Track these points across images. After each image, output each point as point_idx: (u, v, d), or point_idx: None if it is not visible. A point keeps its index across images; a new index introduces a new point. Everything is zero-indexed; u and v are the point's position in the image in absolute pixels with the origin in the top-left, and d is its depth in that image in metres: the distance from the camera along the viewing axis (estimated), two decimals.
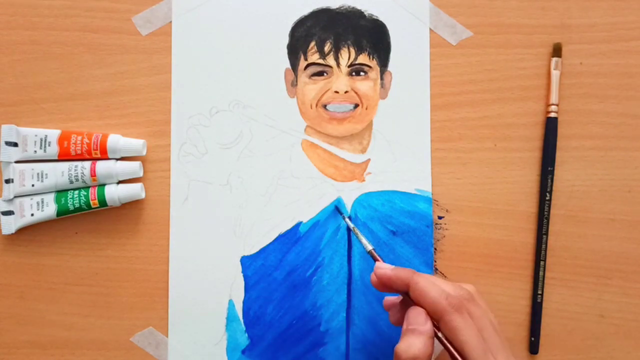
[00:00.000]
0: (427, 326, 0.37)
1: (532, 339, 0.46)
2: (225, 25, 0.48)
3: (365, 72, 0.47)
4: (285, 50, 0.48)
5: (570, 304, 0.46)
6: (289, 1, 0.48)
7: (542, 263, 0.46)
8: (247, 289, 0.46)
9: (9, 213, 0.45)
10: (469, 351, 0.35)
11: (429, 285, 0.37)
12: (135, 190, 0.46)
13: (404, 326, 0.38)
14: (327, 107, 0.47)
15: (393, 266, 0.39)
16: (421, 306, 0.37)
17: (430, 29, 0.48)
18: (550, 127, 0.46)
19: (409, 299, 0.39)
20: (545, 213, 0.46)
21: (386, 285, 0.39)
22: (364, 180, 0.47)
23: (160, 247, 0.47)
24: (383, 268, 0.39)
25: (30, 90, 0.47)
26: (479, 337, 0.36)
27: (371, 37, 0.47)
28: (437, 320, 0.37)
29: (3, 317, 0.46)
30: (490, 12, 0.48)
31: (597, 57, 0.48)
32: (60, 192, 0.46)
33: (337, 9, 0.48)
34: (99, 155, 0.46)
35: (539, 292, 0.46)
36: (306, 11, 0.48)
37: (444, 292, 0.37)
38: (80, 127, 0.47)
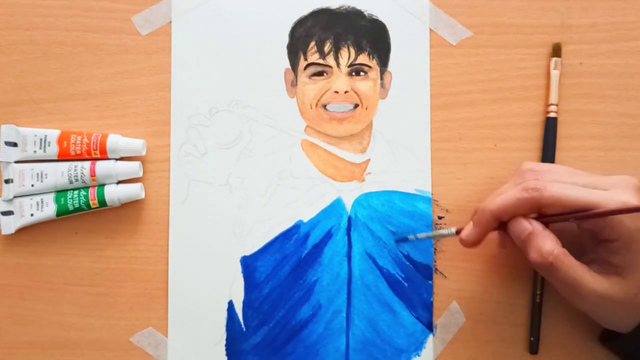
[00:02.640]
0: (537, 225, 0.38)
1: (532, 339, 0.46)
2: (225, 25, 0.48)
3: (365, 72, 0.47)
4: (285, 50, 0.48)
5: (569, 304, 0.46)
6: (289, 1, 0.48)
7: None
8: (247, 289, 0.46)
9: (8, 213, 0.45)
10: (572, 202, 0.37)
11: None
12: (135, 191, 0.45)
13: (519, 240, 0.39)
14: (327, 107, 0.47)
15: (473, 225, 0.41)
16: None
17: (430, 29, 0.48)
18: (550, 127, 0.46)
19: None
20: None
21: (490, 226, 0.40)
22: (363, 181, 0.47)
23: (160, 247, 0.46)
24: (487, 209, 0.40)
25: (30, 90, 0.47)
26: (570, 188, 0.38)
27: (371, 37, 0.47)
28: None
29: (3, 317, 0.46)
30: (490, 12, 0.48)
31: (597, 57, 0.47)
32: (60, 192, 0.46)
33: (337, 9, 0.48)
34: (98, 156, 0.46)
35: (538, 292, 0.45)
36: (306, 11, 0.48)
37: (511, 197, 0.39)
38: (79, 127, 0.47)
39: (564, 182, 0.38)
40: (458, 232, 0.42)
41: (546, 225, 0.39)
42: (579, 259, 0.39)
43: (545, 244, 0.38)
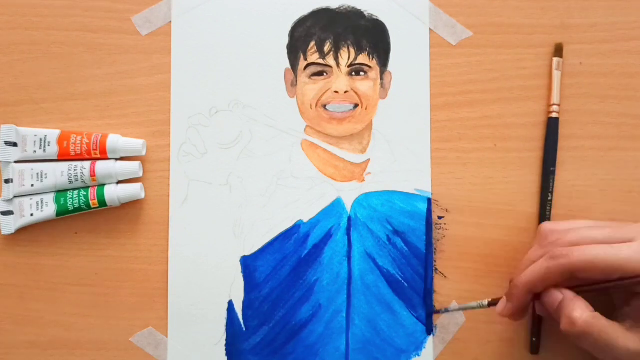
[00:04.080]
0: (568, 292, 0.38)
1: (533, 339, 0.46)
2: (225, 25, 0.48)
3: (365, 72, 0.47)
4: (285, 50, 0.48)
5: None
6: (289, 1, 0.48)
7: None
8: (247, 289, 0.46)
9: (8, 213, 0.45)
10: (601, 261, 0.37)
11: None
12: (135, 191, 0.45)
13: (552, 310, 0.39)
14: (327, 107, 0.47)
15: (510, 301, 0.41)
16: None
17: (430, 29, 0.48)
18: (552, 127, 0.46)
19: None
20: (547, 214, 0.46)
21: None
22: (363, 181, 0.47)
23: (160, 247, 0.46)
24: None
25: (30, 90, 0.47)
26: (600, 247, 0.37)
27: (371, 37, 0.47)
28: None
29: (3, 317, 0.46)
30: (490, 12, 0.48)
31: (597, 57, 0.47)
32: (60, 192, 0.46)
33: (337, 9, 0.48)
34: (98, 156, 0.46)
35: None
36: (306, 11, 0.48)
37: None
38: (79, 127, 0.47)
39: (588, 242, 0.38)
40: (491, 303, 0.42)
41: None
42: (612, 315, 0.38)
43: (575, 310, 0.37)
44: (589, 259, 0.37)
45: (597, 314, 0.37)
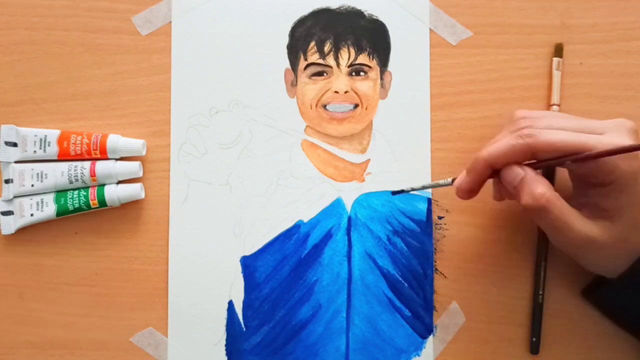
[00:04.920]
0: (529, 170, 0.38)
1: (534, 339, 0.46)
2: (225, 25, 0.48)
3: (365, 72, 0.47)
4: (285, 50, 0.48)
5: (570, 304, 0.46)
6: (289, 1, 0.48)
7: (543, 263, 0.46)
8: (246, 289, 0.46)
9: (8, 213, 0.45)
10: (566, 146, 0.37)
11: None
12: (135, 191, 0.46)
13: (511, 187, 0.39)
14: (327, 107, 0.47)
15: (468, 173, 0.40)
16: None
17: (430, 29, 0.48)
18: None
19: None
20: None
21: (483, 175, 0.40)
22: (363, 181, 0.47)
23: (160, 247, 0.46)
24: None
25: (30, 90, 0.47)
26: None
27: (371, 37, 0.47)
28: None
29: (3, 317, 0.46)
30: (490, 12, 0.48)
31: (597, 57, 0.47)
32: (60, 192, 0.46)
33: (337, 9, 0.48)
34: (98, 156, 0.46)
35: (540, 292, 0.45)
36: (306, 11, 0.48)
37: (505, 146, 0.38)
38: (79, 127, 0.47)
39: (558, 128, 0.38)
40: (454, 180, 0.42)
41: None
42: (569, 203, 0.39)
43: (538, 187, 0.37)
44: (555, 141, 0.37)
45: (557, 194, 0.38)
